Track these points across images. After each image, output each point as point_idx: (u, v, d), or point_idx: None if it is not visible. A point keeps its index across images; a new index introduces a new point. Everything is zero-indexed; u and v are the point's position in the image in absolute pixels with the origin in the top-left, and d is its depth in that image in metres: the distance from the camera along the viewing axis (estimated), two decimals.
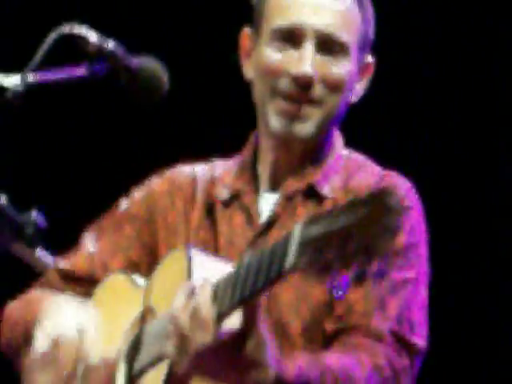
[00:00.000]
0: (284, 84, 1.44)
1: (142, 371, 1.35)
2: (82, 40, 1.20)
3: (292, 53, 1.45)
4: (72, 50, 1.19)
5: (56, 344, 1.37)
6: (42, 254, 1.27)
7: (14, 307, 1.53)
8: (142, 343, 1.38)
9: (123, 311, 1.45)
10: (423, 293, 1.41)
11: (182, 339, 1.18)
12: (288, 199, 1.46)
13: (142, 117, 2.06)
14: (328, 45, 1.44)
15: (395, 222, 0.95)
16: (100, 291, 1.49)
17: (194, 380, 1.25)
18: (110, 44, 1.23)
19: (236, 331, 1.17)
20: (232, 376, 1.21)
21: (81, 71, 1.19)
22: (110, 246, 1.54)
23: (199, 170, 1.56)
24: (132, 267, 1.51)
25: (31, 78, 1.17)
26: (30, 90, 1.16)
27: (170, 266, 1.39)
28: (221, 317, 1.17)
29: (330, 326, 1.35)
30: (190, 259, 1.30)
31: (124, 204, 1.56)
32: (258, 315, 1.17)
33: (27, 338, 1.43)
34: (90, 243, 1.54)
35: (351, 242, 0.98)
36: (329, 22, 1.44)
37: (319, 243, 1.00)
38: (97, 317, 1.42)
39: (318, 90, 1.44)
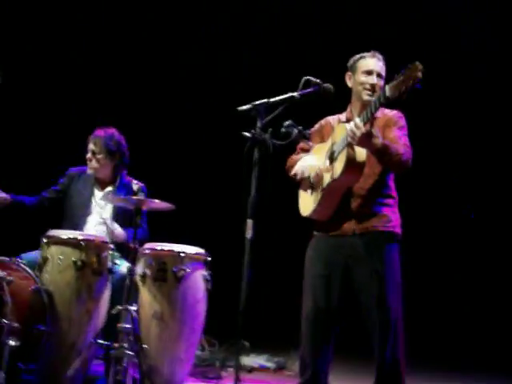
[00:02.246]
0: (369, 86, 3.96)
1: (335, 158, 3.84)
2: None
3: (371, 77, 3.98)
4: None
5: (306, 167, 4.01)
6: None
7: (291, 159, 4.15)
8: (334, 150, 3.86)
9: (325, 147, 3.98)
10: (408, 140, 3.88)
11: (353, 132, 3.65)
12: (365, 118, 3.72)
13: None
14: (379, 75, 3.98)
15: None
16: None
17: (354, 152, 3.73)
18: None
19: (367, 129, 3.66)
20: (369, 144, 3.67)
21: None
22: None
23: (334, 116, 4.16)
24: None
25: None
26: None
27: (339, 129, 3.87)
28: (364, 124, 3.66)
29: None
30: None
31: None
32: (375, 125, 3.80)
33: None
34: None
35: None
36: (379, 69, 3.99)
37: (395, 87, 3.49)
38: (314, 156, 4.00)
39: (377, 87, 3.93)
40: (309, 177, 3.99)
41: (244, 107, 3.62)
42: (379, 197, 3.92)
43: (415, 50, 5.73)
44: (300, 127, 3.77)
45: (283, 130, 3.73)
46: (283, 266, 5.85)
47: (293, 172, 4.05)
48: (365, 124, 3.68)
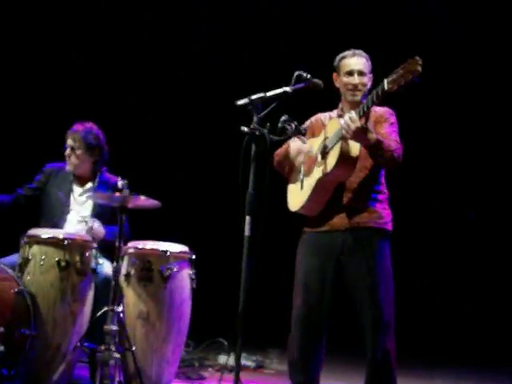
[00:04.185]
0: (351, 86, 3.97)
1: (327, 152, 3.81)
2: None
3: (352, 77, 3.98)
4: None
5: (299, 147, 3.95)
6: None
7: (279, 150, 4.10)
8: (326, 145, 3.83)
9: (316, 143, 3.92)
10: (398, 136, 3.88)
11: (348, 126, 3.63)
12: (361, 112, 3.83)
13: None
14: (361, 73, 3.98)
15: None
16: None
17: (348, 144, 3.72)
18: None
19: (362, 123, 3.65)
20: (363, 138, 3.66)
21: None
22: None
23: (325, 113, 4.12)
24: None
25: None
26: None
27: (332, 124, 3.86)
28: (359, 118, 3.64)
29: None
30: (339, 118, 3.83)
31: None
32: (370, 120, 3.80)
33: (286, 154, 4.01)
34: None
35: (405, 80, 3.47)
36: (360, 67, 3.99)
37: (394, 80, 3.48)
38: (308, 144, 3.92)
39: (359, 86, 3.95)
40: (299, 171, 3.97)
41: (242, 101, 3.54)
42: (370, 192, 3.89)
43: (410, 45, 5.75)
44: (296, 122, 3.72)
45: (280, 125, 3.67)
46: (270, 263, 5.83)
47: (288, 151, 4.04)
48: (360, 118, 3.65)
